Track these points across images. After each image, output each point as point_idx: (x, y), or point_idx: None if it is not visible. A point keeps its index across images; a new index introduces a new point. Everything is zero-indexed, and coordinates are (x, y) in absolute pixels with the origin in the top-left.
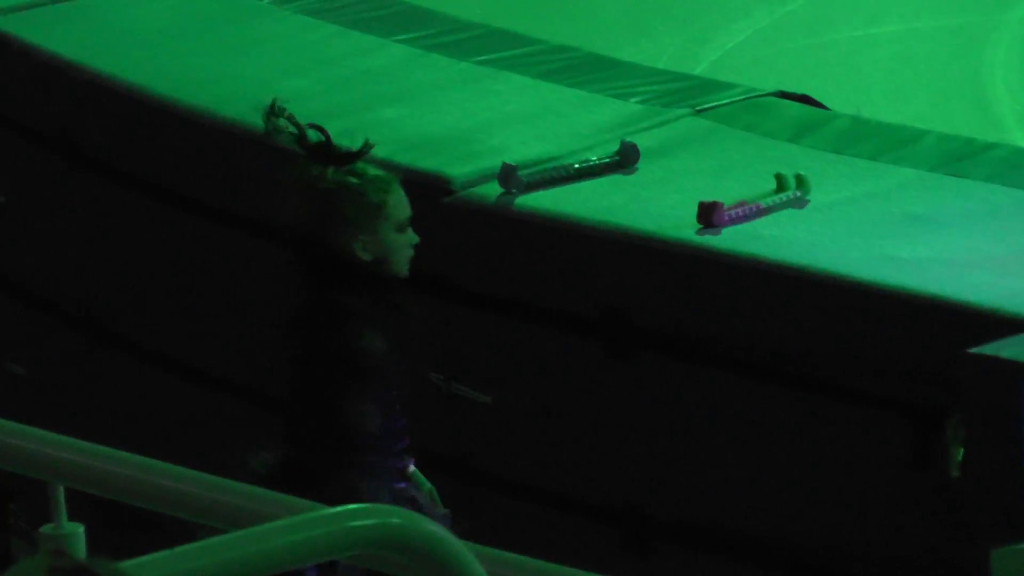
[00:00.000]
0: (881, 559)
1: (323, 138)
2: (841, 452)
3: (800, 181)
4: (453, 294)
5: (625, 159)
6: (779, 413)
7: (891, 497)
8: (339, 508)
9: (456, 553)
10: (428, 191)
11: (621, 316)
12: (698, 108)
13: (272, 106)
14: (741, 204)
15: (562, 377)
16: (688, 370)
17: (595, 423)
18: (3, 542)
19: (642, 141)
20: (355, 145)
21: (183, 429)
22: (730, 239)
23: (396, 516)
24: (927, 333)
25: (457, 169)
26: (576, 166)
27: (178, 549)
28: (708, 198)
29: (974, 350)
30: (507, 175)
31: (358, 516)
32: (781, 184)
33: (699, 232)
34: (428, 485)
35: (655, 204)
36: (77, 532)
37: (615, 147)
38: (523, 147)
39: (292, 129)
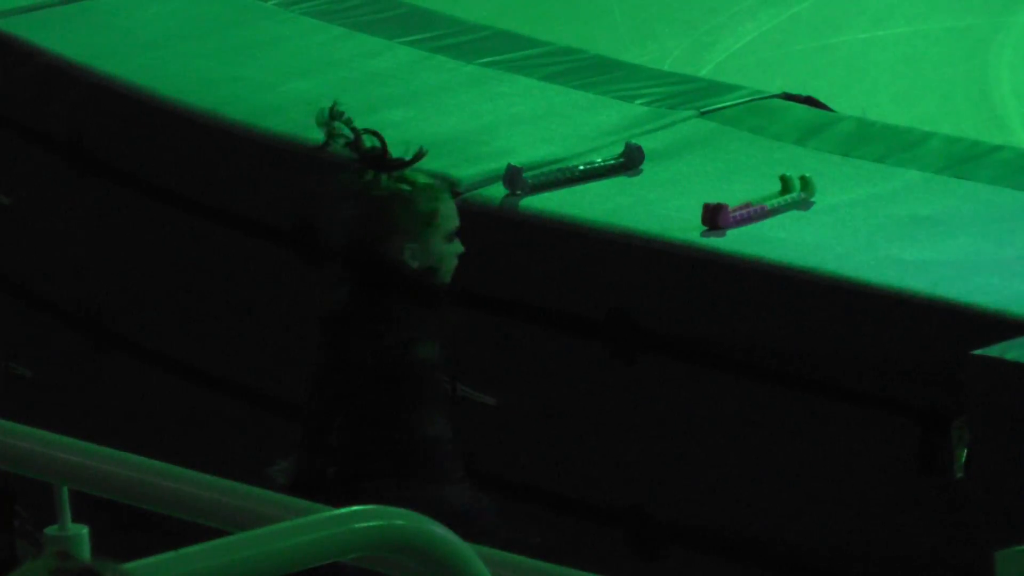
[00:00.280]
0: (886, 560)
1: (378, 144)
2: (846, 454)
3: (805, 183)
4: (458, 296)
5: (630, 161)
6: (784, 415)
7: (896, 499)
8: (343, 510)
9: (460, 554)
10: None
11: (626, 318)
12: (703, 110)
13: (332, 109)
14: (746, 206)
15: (567, 379)
16: (693, 371)
17: (599, 424)
18: (8, 543)
19: (647, 143)
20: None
21: (187, 430)
22: (735, 241)
23: (400, 518)
24: (932, 335)
25: (462, 171)
26: (581, 168)
27: (183, 551)
28: (713, 200)
29: (979, 352)
30: (512, 177)
31: (362, 518)
32: (786, 186)
33: (704, 234)
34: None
35: (660, 206)
36: (81, 533)
37: (620, 149)
38: (528, 149)
39: (348, 133)
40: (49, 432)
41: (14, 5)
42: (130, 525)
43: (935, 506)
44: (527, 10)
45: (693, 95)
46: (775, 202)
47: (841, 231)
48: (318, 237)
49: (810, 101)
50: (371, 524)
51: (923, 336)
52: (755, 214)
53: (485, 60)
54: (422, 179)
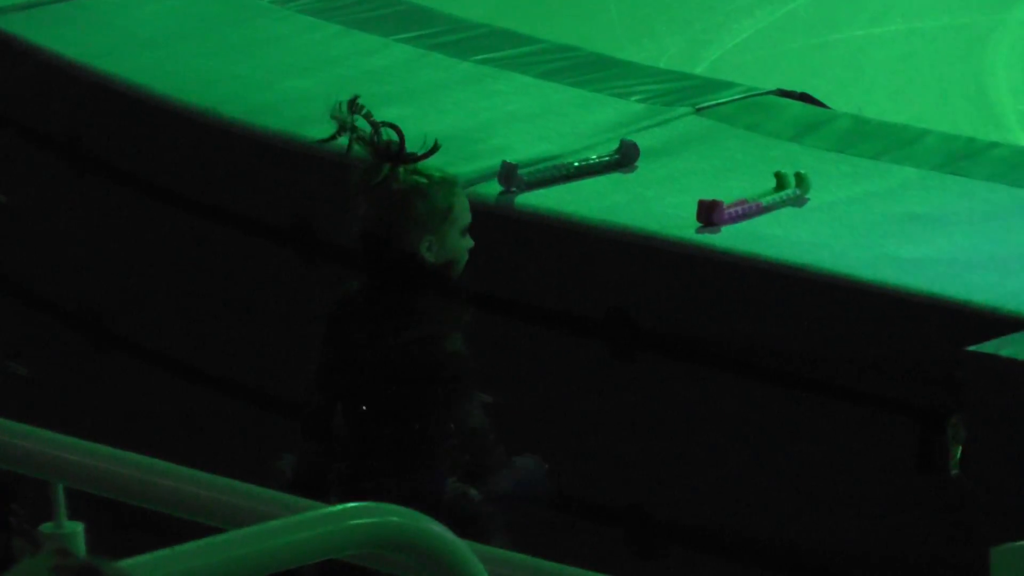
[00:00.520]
0: (885, 559)
1: (396, 138)
2: (843, 452)
3: (800, 180)
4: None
5: (625, 158)
6: (782, 413)
7: (893, 497)
8: (339, 507)
9: (457, 552)
10: None
11: (624, 316)
12: (699, 107)
13: (352, 102)
14: (742, 203)
15: (565, 377)
16: (691, 370)
17: (598, 423)
18: (4, 541)
19: (643, 140)
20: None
21: (187, 430)
22: (732, 238)
23: (396, 515)
24: (928, 333)
25: (459, 168)
26: (576, 164)
27: (179, 548)
28: (709, 197)
29: (975, 348)
30: (507, 174)
31: (358, 515)
32: (781, 183)
33: (699, 231)
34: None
35: (656, 203)
36: (77, 531)
37: (616, 146)
38: (525, 146)
39: (367, 127)
40: (45, 430)
41: (9, 3)
42: (126, 523)
43: (934, 504)
44: (523, 7)
45: (689, 92)
46: (770, 199)
47: (837, 228)
48: (317, 235)
49: (806, 98)
50: (366, 521)
51: (919, 333)
52: (750, 211)
53: (481, 57)
54: (438, 173)
